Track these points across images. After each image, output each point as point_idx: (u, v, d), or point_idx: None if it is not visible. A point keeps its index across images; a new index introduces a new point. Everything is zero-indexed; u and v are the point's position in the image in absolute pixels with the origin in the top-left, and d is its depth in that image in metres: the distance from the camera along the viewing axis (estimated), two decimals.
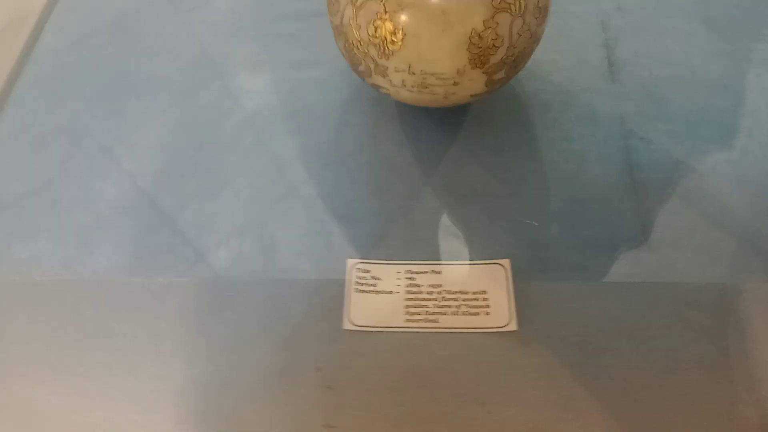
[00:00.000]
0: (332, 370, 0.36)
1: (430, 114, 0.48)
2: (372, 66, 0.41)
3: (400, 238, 0.42)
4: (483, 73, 0.40)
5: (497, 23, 0.38)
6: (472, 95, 0.42)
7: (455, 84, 0.41)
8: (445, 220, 0.43)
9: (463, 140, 0.47)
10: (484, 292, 0.38)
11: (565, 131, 0.47)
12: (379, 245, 0.42)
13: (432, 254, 0.42)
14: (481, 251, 0.41)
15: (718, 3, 0.55)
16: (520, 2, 0.38)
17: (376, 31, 0.39)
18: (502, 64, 0.40)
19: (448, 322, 0.37)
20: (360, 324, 0.38)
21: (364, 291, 0.39)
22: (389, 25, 0.38)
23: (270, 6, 0.56)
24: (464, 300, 0.38)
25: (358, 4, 0.39)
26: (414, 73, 0.40)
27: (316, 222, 0.43)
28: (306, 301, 0.39)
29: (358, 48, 0.41)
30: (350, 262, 0.40)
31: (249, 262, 0.41)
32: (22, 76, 0.53)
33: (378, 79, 0.42)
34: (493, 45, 0.39)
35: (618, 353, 0.37)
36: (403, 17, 0.38)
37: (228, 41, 0.54)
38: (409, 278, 0.39)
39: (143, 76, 0.52)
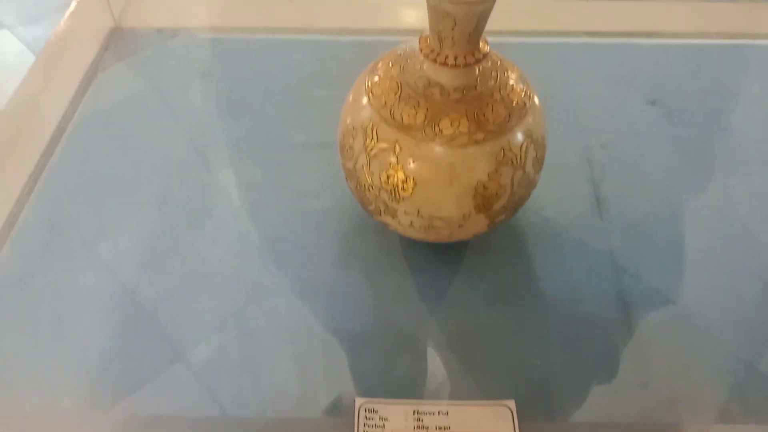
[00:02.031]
0: None
1: (433, 246, 0.50)
2: (382, 207, 0.44)
3: (405, 372, 0.43)
4: (486, 216, 0.43)
5: (500, 175, 0.41)
6: (474, 234, 0.45)
7: (460, 226, 0.43)
8: (450, 355, 0.44)
9: (465, 272, 0.49)
10: None
11: (559, 265, 0.49)
12: (383, 380, 0.43)
13: (438, 389, 0.42)
14: (486, 389, 0.42)
15: (694, 139, 0.59)
16: (520, 156, 0.41)
17: (388, 179, 0.41)
18: (503, 209, 0.43)
19: None
20: None
21: None
22: (401, 175, 0.41)
23: (276, 136, 0.59)
24: None
25: (372, 153, 0.42)
26: (422, 217, 0.42)
27: (318, 354, 0.44)
28: None
29: (369, 191, 0.43)
30: (358, 401, 0.41)
31: (243, 392, 0.41)
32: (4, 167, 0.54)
33: (387, 218, 0.44)
34: (497, 194, 0.42)
35: None
36: (414, 168, 0.40)
37: (232, 164, 0.57)
38: (417, 419, 0.40)
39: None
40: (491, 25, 0.39)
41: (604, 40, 0.70)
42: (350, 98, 0.46)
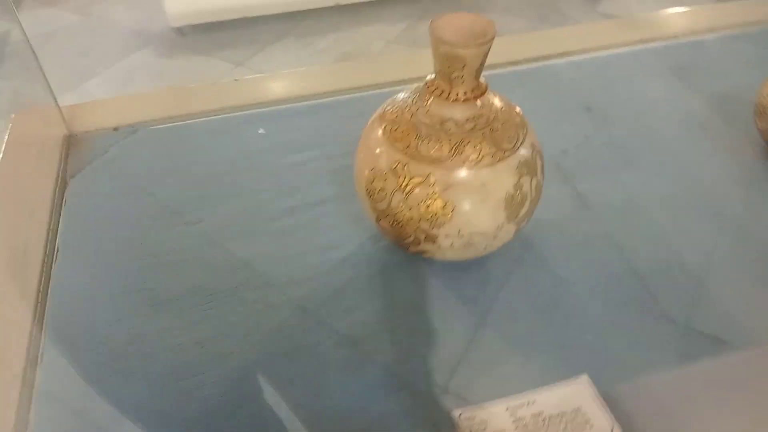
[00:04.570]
0: None
1: (460, 266, 0.54)
2: (422, 236, 0.48)
3: (472, 375, 0.47)
4: (514, 224, 0.48)
5: (522, 185, 0.47)
6: (503, 243, 0.50)
7: (494, 238, 0.48)
8: (511, 346, 0.49)
9: (495, 283, 0.54)
10: (580, 408, 0.43)
11: (569, 257, 0.56)
12: (459, 389, 0.46)
13: (515, 382, 0.46)
14: (554, 369, 0.47)
15: (621, 136, 0.70)
16: (533, 165, 0.48)
17: (428, 208, 0.46)
18: (526, 214, 0.49)
19: None
20: None
21: None
22: (439, 202, 0.46)
23: (266, 207, 0.61)
24: (568, 420, 0.43)
25: (407, 190, 0.46)
26: (462, 236, 0.47)
27: (388, 379, 0.46)
28: None
29: (408, 224, 0.47)
30: (456, 412, 0.44)
31: None
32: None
33: (426, 246, 0.49)
34: (522, 201, 0.47)
35: None
36: (451, 194, 0.45)
37: (240, 238, 0.58)
38: (512, 414, 0.43)
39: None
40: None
41: (526, 66, 0.81)
42: (361, 153, 0.50)
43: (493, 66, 0.76)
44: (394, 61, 0.93)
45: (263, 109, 0.75)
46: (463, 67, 0.44)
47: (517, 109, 0.50)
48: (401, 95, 0.50)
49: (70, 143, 0.70)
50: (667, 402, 0.45)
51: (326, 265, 0.56)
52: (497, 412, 0.44)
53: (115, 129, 0.72)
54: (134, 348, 0.49)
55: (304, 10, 2.10)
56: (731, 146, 0.68)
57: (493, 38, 0.43)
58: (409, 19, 2.18)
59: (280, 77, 0.82)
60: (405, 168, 0.46)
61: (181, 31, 2.06)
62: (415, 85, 0.50)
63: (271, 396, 0.46)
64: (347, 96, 0.76)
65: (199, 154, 0.69)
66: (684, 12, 0.92)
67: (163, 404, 0.46)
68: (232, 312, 0.52)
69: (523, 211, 0.48)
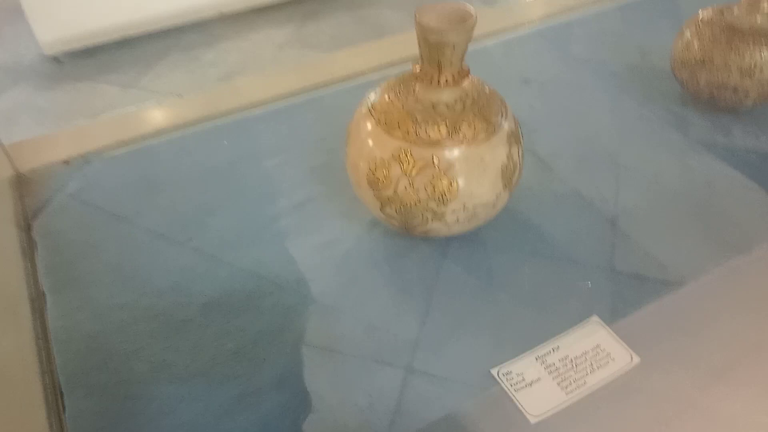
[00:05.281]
0: None
1: (457, 240, 0.58)
2: (430, 216, 0.51)
3: (484, 334, 0.51)
4: (508, 191, 0.52)
5: (513, 154, 0.51)
6: (500, 210, 0.54)
7: (493, 206, 0.52)
8: (520, 302, 0.53)
9: (507, 243, 0.58)
10: (599, 345, 0.48)
11: (536, 211, 0.61)
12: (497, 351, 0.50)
13: (532, 332, 0.50)
14: (565, 314, 0.51)
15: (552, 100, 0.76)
16: (519, 135, 0.52)
17: (434, 189, 0.49)
18: (516, 181, 0.53)
19: (594, 379, 0.46)
20: (540, 413, 0.44)
21: (521, 388, 0.46)
22: (445, 181, 0.49)
23: (257, 213, 0.62)
24: (590, 358, 0.48)
25: (413, 174, 0.49)
26: (467, 209, 0.50)
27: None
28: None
29: (416, 206, 0.50)
30: (493, 371, 0.47)
31: None
32: None
33: (434, 225, 0.51)
34: (514, 169, 0.52)
35: None
36: (455, 172, 0.48)
37: (240, 248, 0.58)
38: (542, 362, 0.48)
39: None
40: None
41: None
42: (353, 148, 0.52)
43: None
44: (332, 60, 0.94)
45: (217, 122, 0.74)
46: (452, 52, 0.47)
47: (489, 85, 0.54)
48: (375, 91, 0.53)
49: (21, 183, 0.66)
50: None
51: (331, 261, 0.57)
52: (529, 362, 0.48)
53: (66, 162, 0.68)
54: (164, 374, 0.48)
55: (185, 24, 2.02)
56: (653, 96, 0.76)
57: (476, 21, 0.46)
58: (293, 22, 2.14)
59: (228, 89, 0.82)
60: (408, 154, 0.49)
61: (57, 60, 1.90)
62: (381, 79, 0.52)
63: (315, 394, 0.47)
64: (302, 98, 0.77)
65: (165, 175, 0.67)
66: None
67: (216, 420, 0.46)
68: (255, 321, 0.52)
69: (515, 177, 0.52)
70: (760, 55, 0.65)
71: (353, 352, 0.50)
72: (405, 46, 0.81)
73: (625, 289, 0.54)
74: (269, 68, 1.85)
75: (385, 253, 0.58)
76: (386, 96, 0.52)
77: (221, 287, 0.55)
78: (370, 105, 0.52)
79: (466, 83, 0.50)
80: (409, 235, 0.57)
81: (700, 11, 0.71)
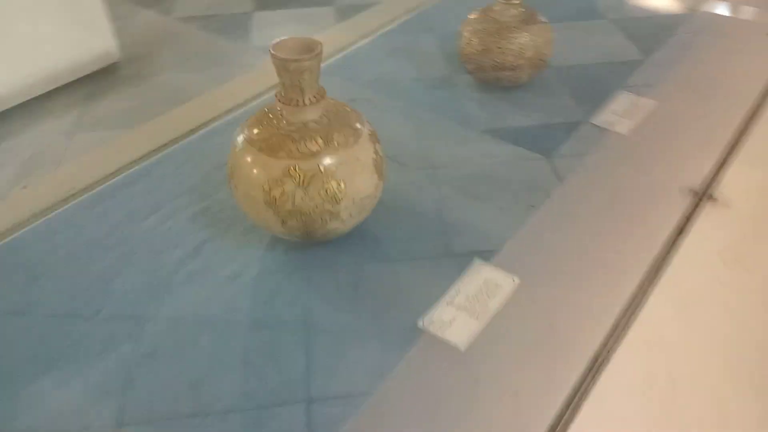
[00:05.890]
0: None
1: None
2: (328, 217, 0.58)
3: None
4: (380, 179, 0.62)
5: (377, 150, 0.61)
6: (378, 200, 0.64)
7: (375, 197, 0.62)
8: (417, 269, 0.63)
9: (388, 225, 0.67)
10: (486, 279, 0.60)
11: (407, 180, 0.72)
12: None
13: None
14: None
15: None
16: (376, 135, 0.62)
17: (327, 192, 0.57)
18: (385, 171, 0.63)
19: (493, 303, 0.58)
20: (465, 341, 0.54)
21: (446, 329, 0.56)
22: (333, 183, 0.57)
23: (161, 264, 0.64)
24: (485, 291, 0.59)
25: (305, 185, 0.56)
26: (356, 203, 0.59)
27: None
28: None
29: (314, 211, 0.57)
30: (419, 322, 0.56)
31: None
32: None
33: (332, 225, 0.59)
34: (381, 162, 0.62)
35: None
36: (339, 173, 0.57)
37: (156, 301, 0.60)
38: (454, 305, 0.58)
39: None
40: None
41: None
42: (239, 181, 0.58)
43: None
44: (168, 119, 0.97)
45: (76, 201, 0.74)
46: (310, 75, 0.56)
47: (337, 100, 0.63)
48: (242, 130, 0.59)
49: None
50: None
51: (246, 287, 0.62)
52: (443, 308, 0.58)
53: None
54: None
55: None
56: (450, 84, 0.93)
57: (322, 48, 0.56)
58: (75, 107, 1.98)
59: (76, 164, 0.81)
60: (296, 169, 0.56)
61: None
62: (236, 118, 0.59)
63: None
64: (158, 155, 0.80)
65: (40, 258, 0.66)
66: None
67: None
68: (203, 357, 0.55)
69: (384, 168, 0.63)
70: (523, 39, 0.84)
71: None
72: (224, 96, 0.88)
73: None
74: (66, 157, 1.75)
75: (296, 265, 0.64)
76: (256, 129, 0.59)
77: (150, 341, 0.56)
78: (245, 140, 0.59)
79: (325, 100, 0.59)
80: (310, 242, 0.64)
81: (469, 15, 0.89)
